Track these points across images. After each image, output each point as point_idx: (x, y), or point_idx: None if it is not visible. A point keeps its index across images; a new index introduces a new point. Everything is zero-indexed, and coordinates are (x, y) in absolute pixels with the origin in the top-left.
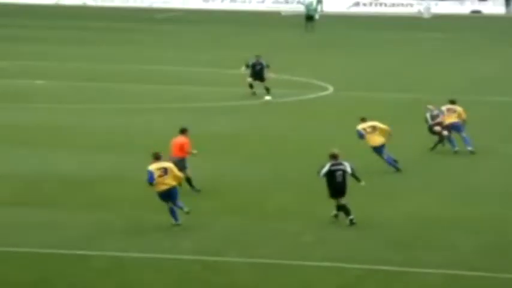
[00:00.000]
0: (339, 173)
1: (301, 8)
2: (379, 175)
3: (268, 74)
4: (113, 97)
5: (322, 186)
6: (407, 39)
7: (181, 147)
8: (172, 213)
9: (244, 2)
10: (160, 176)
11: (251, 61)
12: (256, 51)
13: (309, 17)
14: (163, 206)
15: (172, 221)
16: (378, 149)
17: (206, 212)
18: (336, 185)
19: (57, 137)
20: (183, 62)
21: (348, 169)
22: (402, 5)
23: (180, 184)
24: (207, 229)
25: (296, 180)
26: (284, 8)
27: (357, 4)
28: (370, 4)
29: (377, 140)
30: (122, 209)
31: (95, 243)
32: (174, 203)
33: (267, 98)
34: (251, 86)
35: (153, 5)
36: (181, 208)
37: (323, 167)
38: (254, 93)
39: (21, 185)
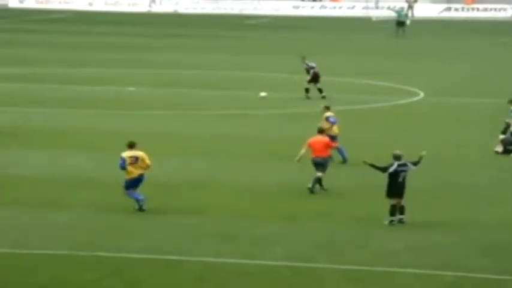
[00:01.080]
0: (403, 174)
1: (392, 14)
2: (471, 180)
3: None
4: (201, 103)
5: (412, 192)
6: (500, 44)
7: (326, 146)
8: (136, 197)
9: (335, 8)
10: (130, 164)
11: (307, 65)
12: (346, 57)
13: (400, 23)
14: (255, 212)
15: (141, 204)
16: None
17: (298, 217)
18: (397, 185)
19: (148, 143)
20: (270, 68)
21: (412, 168)
22: (495, 9)
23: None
24: (298, 235)
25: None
26: (375, 13)
27: (448, 9)
28: (462, 9)
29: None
30: (214, 214)
31: (187, 249)
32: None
33: (263, 94)
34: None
35: (243, 11)
36: (137, 200)
37: (390, 165)
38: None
39: (112, 189)
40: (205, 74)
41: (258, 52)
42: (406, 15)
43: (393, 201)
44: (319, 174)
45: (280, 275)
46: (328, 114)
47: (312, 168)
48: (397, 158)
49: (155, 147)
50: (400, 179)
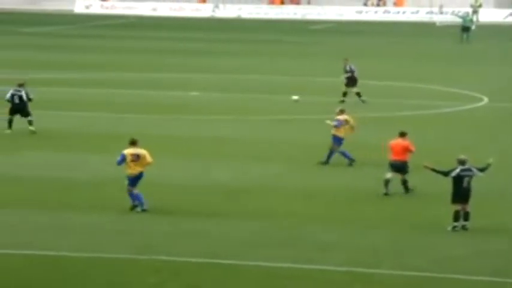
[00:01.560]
0: (467, 179)
1: (456, 19)
2: None
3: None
4: (263, 108)
5: (476, 198)
6: None
7: (405, 150)
8: (136, 198)
9: (398, 12)
10: (132, 161)
11: (350, 68)
12: (409, 62)
13: (465, 28)
14: (316, 217)
15: (137, 204)
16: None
17: (359, 222)
18: (462, 190)
19: (210, 147)
20: (333, 73)
21: (477, 173)
22: None
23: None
24: (359, 240)
25: (449, 192)
26: (439, 18)
27: None
28: None
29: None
30: (274, 219)
31: (246, 253)
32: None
33: (295, 97)
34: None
35: (307, 16)
36: (139, 202)
37: (453, 169)
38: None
39: (176, 194)
40: (268, 79)
41: (321, 57)
42: (471, 20)
43: (458, 207)
44: (389, 176)
45: (341, 280)
46: (342, 117)
47: (373, 172)
48: (461, 162)
49: (217, 152)
50: (465, 184)
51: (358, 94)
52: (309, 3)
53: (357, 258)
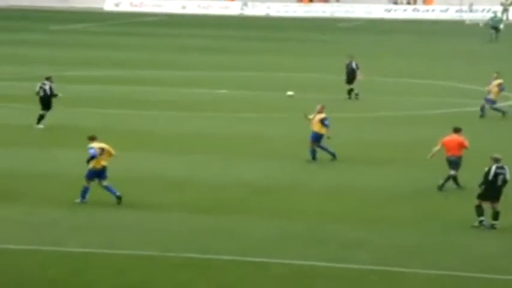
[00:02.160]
0: (501, 177)
1: (486, 17)
2: None
3: (359, 76)
4: (292, 106)
5: (503, 197)
6: None
7: (460, 145)
8: (108, 189)
9: (428, 10)
10: (99, 155)
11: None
12: (437, 60)
13: (495, 27)
14: (343, 216)
15: (114, 195)
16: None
17: (385, 221)
18: (495, 188)
19: (237, 145)
20: (364, 72)
21: (508, 176)
22: None
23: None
24: (385, 239)
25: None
26: (468, 16)
27: None
28: None
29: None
30: (302, 217)
31: (275, 251)
32: (103, 182)
33: (290, 93)
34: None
35: (335, 14)
36: (112, 192)
37: (488, 170)
38: (349, 98)
39: (203, 192)
40: (296, 77)
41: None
42: (501, 19)
43: (486, 204)
44: (452, 172)
45: (367, 279)
46: (323, 115)
47: (404, 171)
48: (496, 160)
49: (246, 149)
50: (499, 182)
51: (351, 91)
52: (337, 1)
53: (386, 257)
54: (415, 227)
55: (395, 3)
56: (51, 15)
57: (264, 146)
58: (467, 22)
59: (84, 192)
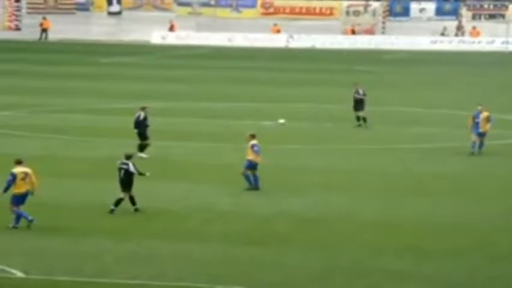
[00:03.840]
0: None
1: None
2: None
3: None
4: (338, 137)
5: None
6: None
7: None
8: (20, 216)
9: (474, 42)
10: (22, 179)
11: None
12: (482, 92)
13: None
14: (390, 247)
15: (13, 223)
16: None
17: (433, 254)
18: None
19: (284, 177)
20: (407, 103)
21: None
22: None
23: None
24: (433, 272)
25: None
26: None
27: None
28: None
29: None
30: (349, 248)
31: (320, 283)
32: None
33: (281, 121)
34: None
35: (380, 46)
36: (24, 217)
37: None
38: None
39: (250, 223)
40: (342, 109)
41: (395, 87)
42: None
43: None
44: None
45: None
46: (253, 142)
47: (448, 203)
48: None
49: (290, 181)
50: None
51: (364, 119)
52: (383, 33)
53: None
54: (463, 259)
55: (443, 35)
56: (100, 48)
57: (311, 178)
58: None
59: (18, 217)
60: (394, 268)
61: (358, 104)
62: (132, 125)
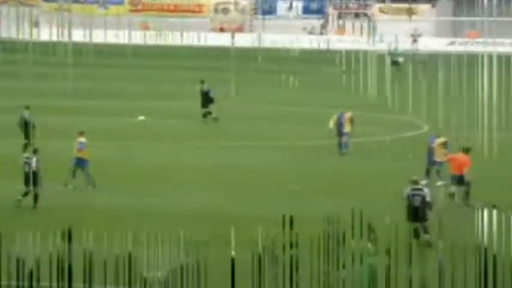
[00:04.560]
0: None
1: None
2: None
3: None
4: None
5: None
6: None
7: None
8: None
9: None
10: None
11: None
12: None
13: None
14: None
15: None
16: None
17: None
18: None
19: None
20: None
21: None
22: None
23: None
24: None
25: None
26: None
27: None
28: None
29: None
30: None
31: None
32: None
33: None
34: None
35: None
36: None
37: None
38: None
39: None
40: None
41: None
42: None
43: None
44: None
45: None
46: (81, 139)
47: None
48: None
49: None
50: None
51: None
52: (251, 31)
53: None
54: None
55: (310, 33)
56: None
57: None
58: None
59: None
60: None
61: (206, 101)
62: None
